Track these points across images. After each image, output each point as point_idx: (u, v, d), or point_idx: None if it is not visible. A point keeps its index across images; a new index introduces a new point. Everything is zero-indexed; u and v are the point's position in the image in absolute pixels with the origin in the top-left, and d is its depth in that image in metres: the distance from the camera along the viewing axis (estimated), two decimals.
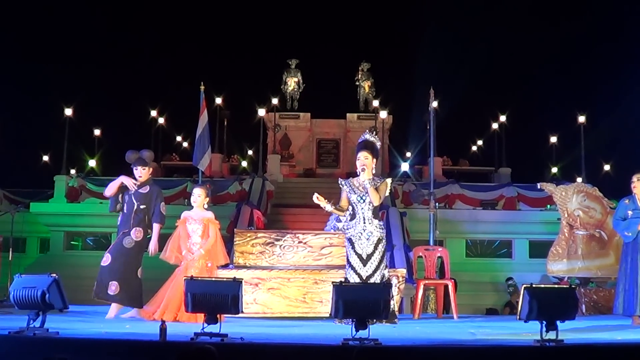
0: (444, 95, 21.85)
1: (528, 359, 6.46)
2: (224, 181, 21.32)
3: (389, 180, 9.22)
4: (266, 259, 11.00)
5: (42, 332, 6.63)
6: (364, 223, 8.97)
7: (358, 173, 9.04)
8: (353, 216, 9.06)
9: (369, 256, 8.91)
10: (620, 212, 10.18)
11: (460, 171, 25.62)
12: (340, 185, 9.19)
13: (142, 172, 10.43)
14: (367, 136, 9.28)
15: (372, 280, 8.75)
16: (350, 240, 9.01)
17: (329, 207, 8.99)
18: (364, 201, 8.98)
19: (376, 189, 8.94)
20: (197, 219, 9.93)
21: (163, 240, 10.17)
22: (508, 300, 18.24)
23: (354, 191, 9.02)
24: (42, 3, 27.92)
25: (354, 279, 8.80)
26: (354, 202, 9.03)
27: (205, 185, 10.52)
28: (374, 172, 9.10)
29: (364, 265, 8.88)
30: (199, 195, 10.06)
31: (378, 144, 9.32)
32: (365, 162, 8.99)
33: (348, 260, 9.03)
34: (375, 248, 8.95)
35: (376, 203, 8.99)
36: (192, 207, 10.16)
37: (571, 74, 28.56)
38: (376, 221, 9.04)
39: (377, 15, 32.59)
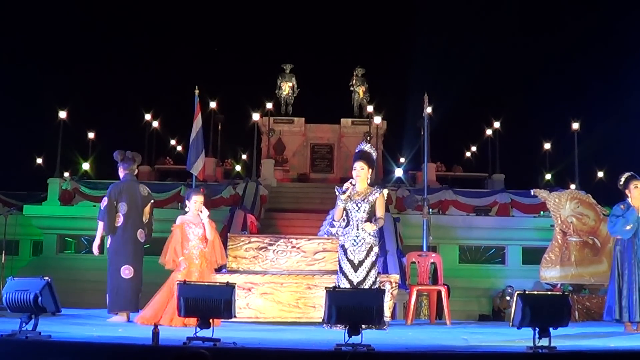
0: (438, 101, 21.85)
1: None
2: (217, 185, 21.29)
3: (385, 192, 9.33)
4: (259, 263, 10.99)
5: (35, 336, 6.61)
6: (357, 230, 9.03)
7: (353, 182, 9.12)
8: (347, 223, 9.12)
9: (361, 262, 8.99)
10: (616, 213, 10.15)
11: (454, 177, 25.61)
12: (337, 193, 9.20)
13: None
14: (364, 147, 9.41)
15: (362, 287, 8.81)
16: (343, 246, 9.10)
17: (343, 197, 9.03)
18: (359, 209, 9.04)
19: (374, 203, 9.05)
20: (196, 222, 9.95)
21: (161, 243, 10.20)
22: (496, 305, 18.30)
23: (351, 198, 9.06)
24: (36, 6, 27.92)
25: (344, 285, 8.86)
26: (349, 210, 9.09)
27: (199, 190, 10.53)
28: (369, 181, 9.23)
29: (355, 271, 8.96)
30: (201, 203, 10.09)
31: (374, 154, 9.47)
32: (360, 172, 9.12)
33: (340, 266, 9.09)
34: (367, 255, 9.02)
35: (382, 219, 9.10)
36: (184, 212, 10.17)
37: (565, 80, 28.67)
38: (369, 229, 9.08)
39: (371, 20, 32.68)
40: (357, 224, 9.05)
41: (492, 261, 20.46)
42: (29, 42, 28.10)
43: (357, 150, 9.41)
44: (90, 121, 25.19)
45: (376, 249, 9.17)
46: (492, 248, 20.47)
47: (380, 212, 9.11)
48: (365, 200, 9.06)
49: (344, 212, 9.14)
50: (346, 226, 9.14)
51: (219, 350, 6.29)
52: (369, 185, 9.23)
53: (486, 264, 20.36)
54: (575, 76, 28.20)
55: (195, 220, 9.99)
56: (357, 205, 9.06)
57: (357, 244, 9.01)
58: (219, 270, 10.51)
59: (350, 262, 8.99)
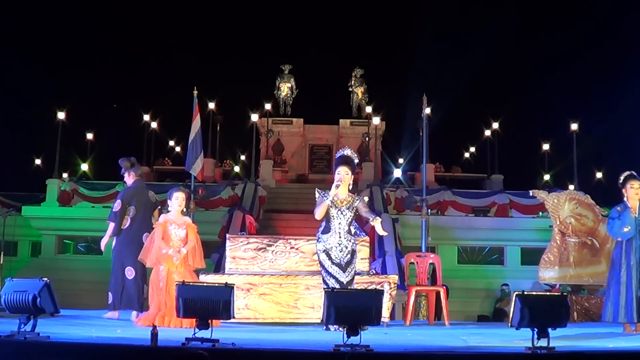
0: (437, 102, 21.87)
1: None
2: (216, 186, 21.28)
3: (366, 198, 9.50)
4: (258, 264, 10.99)
5: (33, 337, 6.61)
6: (340, 237, 9.06)
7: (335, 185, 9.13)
8: (327, 229, 9.11)
9: (347, 264, 9.07)
10: (612, 216, 10.13)
11: (453, 178, 25.61)
12: (318, 194, 9.18)
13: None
14: (347, 152, 9.41)
15: (350, 287, 8.89)
16: (326, 251, 9.09)
17: (332, 192, 9.03)
18: (343, 216, 9.05)
19: (356, 210, 9.17)
20: (179, 222, 9.90)
21: None
22: (497, 306, 18.26)
23: (335, 205, 9.08)
24: (36, 7, 27.91)
25: (335, 286, 8.85)
26: (332, 216, 9.09)
27: (184, 189, 10.49)
28: (350, 187, 9.27)
29: (344, 272, 9.03)
30: (183, 199, 10.05)
31: (356, 160, 9.48)
32: (345, 177, 9.15)
33: (327, 271, 9.09)
34: (352, 257, 9.13)
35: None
36: (167, 211, 10.16)
37: (564, 81, 28.65)
38: (349, 235, 9.17)
39: (370, 21, 32.71)
40: (339, 231, 9.08)
41: (491, 262, 20.45)
42: (27, 42, 28.12)
43: (339, 156, 9.39)
44: (89, 122, 25.22)
45: (356, 253, 9.30)
46: (491, 249, 20.46)
47: (367, 214, 9.25)
48: (350, 208, 9.13)
49: (326, 217, 9.14)
50: (325, 232, 9.14)
51: (218, 351, 6.29)
52: (350, 191, 9.27)
53: (485, 265, 20.34)
54: (574, 77, 28.21)
55: (178, 220, 9.93)
56: (341, 213, 9.09)
57: (342, 248, 9.06)
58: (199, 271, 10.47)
59: (338, 264, 9.03)
